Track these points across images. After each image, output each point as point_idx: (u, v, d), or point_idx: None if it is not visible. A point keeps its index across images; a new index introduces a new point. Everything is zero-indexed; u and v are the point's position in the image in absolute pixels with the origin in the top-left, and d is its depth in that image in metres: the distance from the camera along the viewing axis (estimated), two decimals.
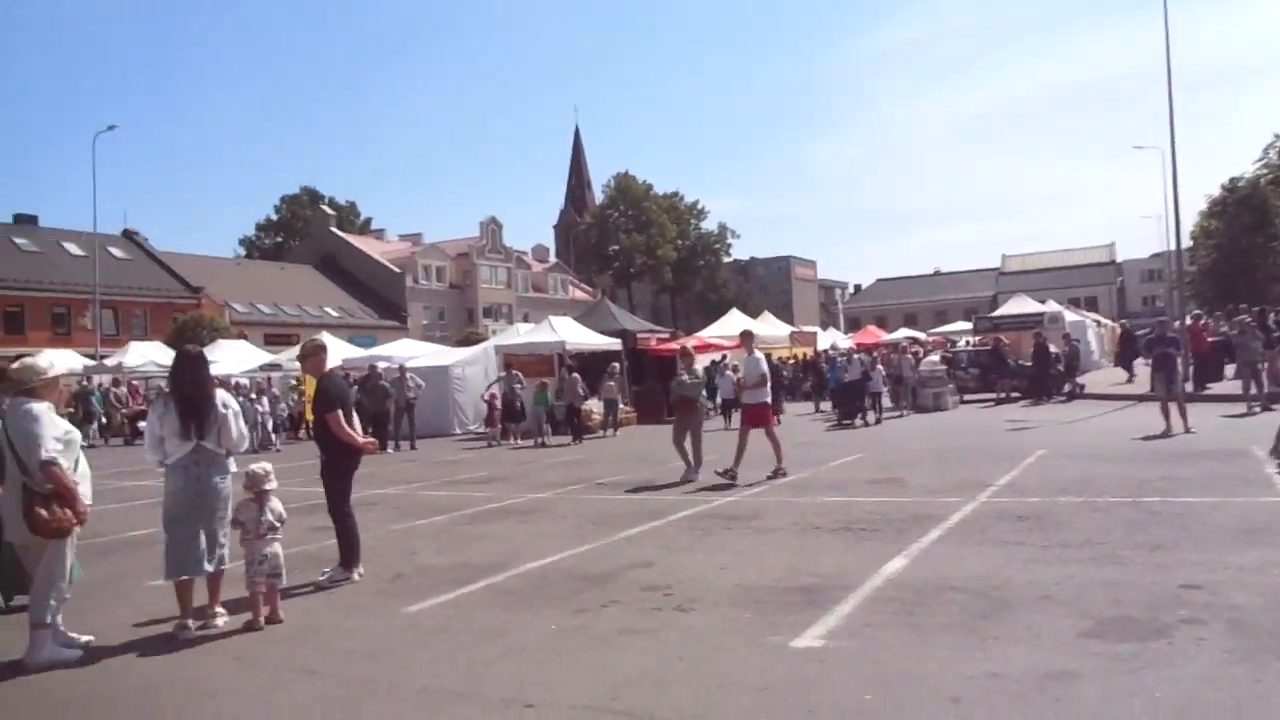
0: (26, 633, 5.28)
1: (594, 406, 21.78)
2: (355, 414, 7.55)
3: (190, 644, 5.59)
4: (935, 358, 26.01)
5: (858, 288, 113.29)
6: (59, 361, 5.76)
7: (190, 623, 5.76)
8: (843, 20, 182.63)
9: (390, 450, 19.68)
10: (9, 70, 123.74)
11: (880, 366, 22.24)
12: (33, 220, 49.90)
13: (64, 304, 44.73)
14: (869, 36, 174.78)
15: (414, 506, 11.23)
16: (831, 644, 4.94)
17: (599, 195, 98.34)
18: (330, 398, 7.12)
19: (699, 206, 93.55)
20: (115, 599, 6.75)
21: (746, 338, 13.56)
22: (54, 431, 5.29)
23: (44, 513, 5.10)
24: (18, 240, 47.01)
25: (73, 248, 47.09)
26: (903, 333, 45.72)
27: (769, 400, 12.82)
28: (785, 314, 67.11)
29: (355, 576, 7.12)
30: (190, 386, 5.97)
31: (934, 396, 23.15)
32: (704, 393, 12.97)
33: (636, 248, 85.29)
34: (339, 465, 7.17)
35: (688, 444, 12.48)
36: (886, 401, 22.65)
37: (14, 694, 4.85)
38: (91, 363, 33.02)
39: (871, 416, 20.68)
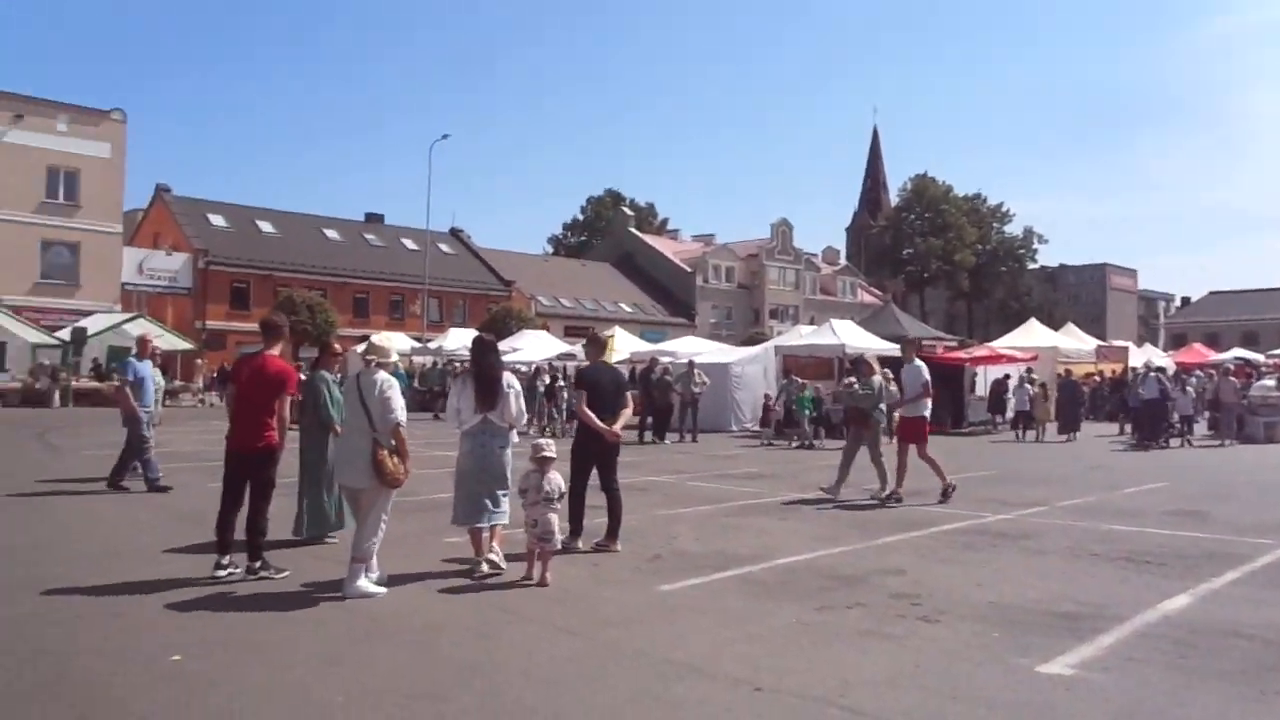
0: (325, 563, 6.19)
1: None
2: (631, 402, 8.18)
3: (471, 589, 6.37)
4: (1271, 383, 23.00)
5: (1186, 300, 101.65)
6: (386, 341, 6.81)
7: (484, 565, 6.73)
8: (1182, 4, 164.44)
9: (670, 441, 20.52)
10: (364, 94, 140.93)
11: (1189, 388, 20.03)
12: (380, 219, 56.76)
13: (399, 292, 50.52)
14: (1215, 19, 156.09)
15: (682, 495, 11.73)
16: (1083, 674, 4.71)
17: (894, 198, 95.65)
18: (578, 384, 8.11)
19: (1003, 209, 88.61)
20: (420, 549, 7.68)
21: (908, 346, 12.76)
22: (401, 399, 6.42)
23: (390, 464, 6.15)
24: (367, 236, 53.69)
25: (409, 243, 53.01)
26: (1235, 353, 40.61)
27: (927, 415, 11.55)
28: (1096, 327, 61.93)
29: (615, 548, 7.78)
30: (484, 369, 6.92)
31: (1265, 427, 20.53)
32: (882, 406, 11.59)
33: (933, 251, 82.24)
34: (579, 444, 7.92)
35: (883, 459, 11.47)
36: (1203, 428, 20.38)
37: (329, 614, 5.75)
38: (418, 345, 37.04)
39: (1176, 441, 18.69)
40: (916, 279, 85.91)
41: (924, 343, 26.61)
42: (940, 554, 7.95)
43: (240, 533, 6.58)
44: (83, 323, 33.50)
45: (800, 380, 21.74)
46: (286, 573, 6.59)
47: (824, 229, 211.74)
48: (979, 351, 27.92)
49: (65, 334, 31.82)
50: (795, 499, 11.36)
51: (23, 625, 5.35)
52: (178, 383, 33.12)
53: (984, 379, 25.50)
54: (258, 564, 6.55)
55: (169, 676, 4.54)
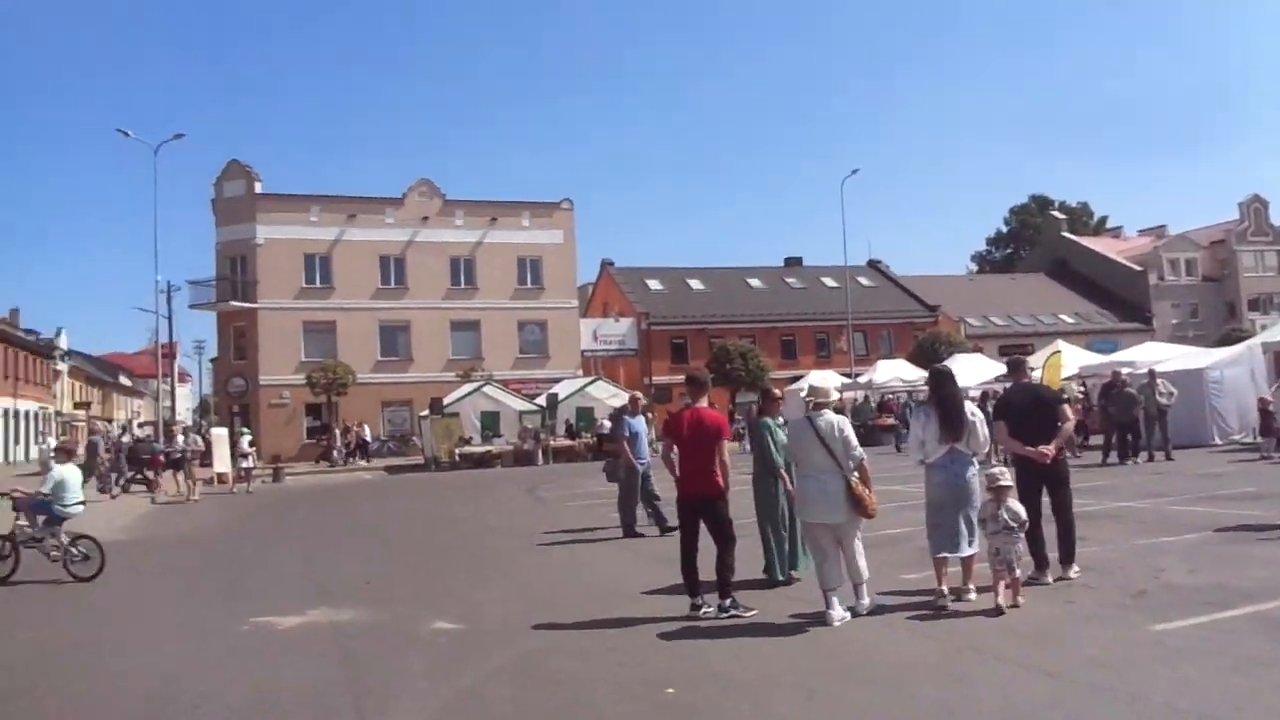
0: (791, 601, 6.37)
1: None
2: (1069, 417, 7.71)
3: (938, 625, 6.20)
4: None
5: None
6: (824, 381, 7.13)
7: (946, 597, 6.75)
8: None
9: (1138, 461, 18.42)
10: (769, 145, 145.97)
11: None
12: (798, 261, 58.32)
13: (824, 331, 51.27)
14: None
15: (1162, 521, 10.43)
16: None
17: None
18: (996, 413, 7.81)
19: None
20: (878, 584, 7.64)
21: None
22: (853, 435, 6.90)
23: (867, 496, 6.60)
24: (788, 280, 55.40)
25: (829, 281, 53.73)
26: None
27: None
28: None
29: (1072, 574, 7.39)
30: (946, 399, 7.04)
31: None
32: None
33: None
34: (1020, 472, 7.41)
35: None
36: None
37: (799, 651, 5.91)
38: (848, 380, 37.19)
39: None
40: None
41: None
42: None
43: (708, 573, 7.05)
44: (554, 389, 38.29)
45: None
46: (755, 612, 6.92)
47: None
48: None
49: (542, 400, 36.59)
50: None
51: (542, 657, 6.19)
52: None
53: None
54: (728, 602, 6.95)
55: (665, 706, 4.98)
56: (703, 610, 6.95)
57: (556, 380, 40.76)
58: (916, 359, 39.00)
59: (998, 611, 6.38)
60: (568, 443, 34.43)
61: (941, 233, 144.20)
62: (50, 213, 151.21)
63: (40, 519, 10.71)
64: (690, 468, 7.12)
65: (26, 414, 51.13)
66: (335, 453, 36.47)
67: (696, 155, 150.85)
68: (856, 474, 6.66)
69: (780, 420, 8.60)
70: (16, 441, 48.16)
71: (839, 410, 7.40)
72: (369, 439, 38.36)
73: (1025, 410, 7.52)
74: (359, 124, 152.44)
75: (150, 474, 23.50)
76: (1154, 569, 7.73)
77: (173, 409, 52.96)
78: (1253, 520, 9.96)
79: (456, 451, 32.15)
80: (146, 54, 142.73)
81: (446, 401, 33.91)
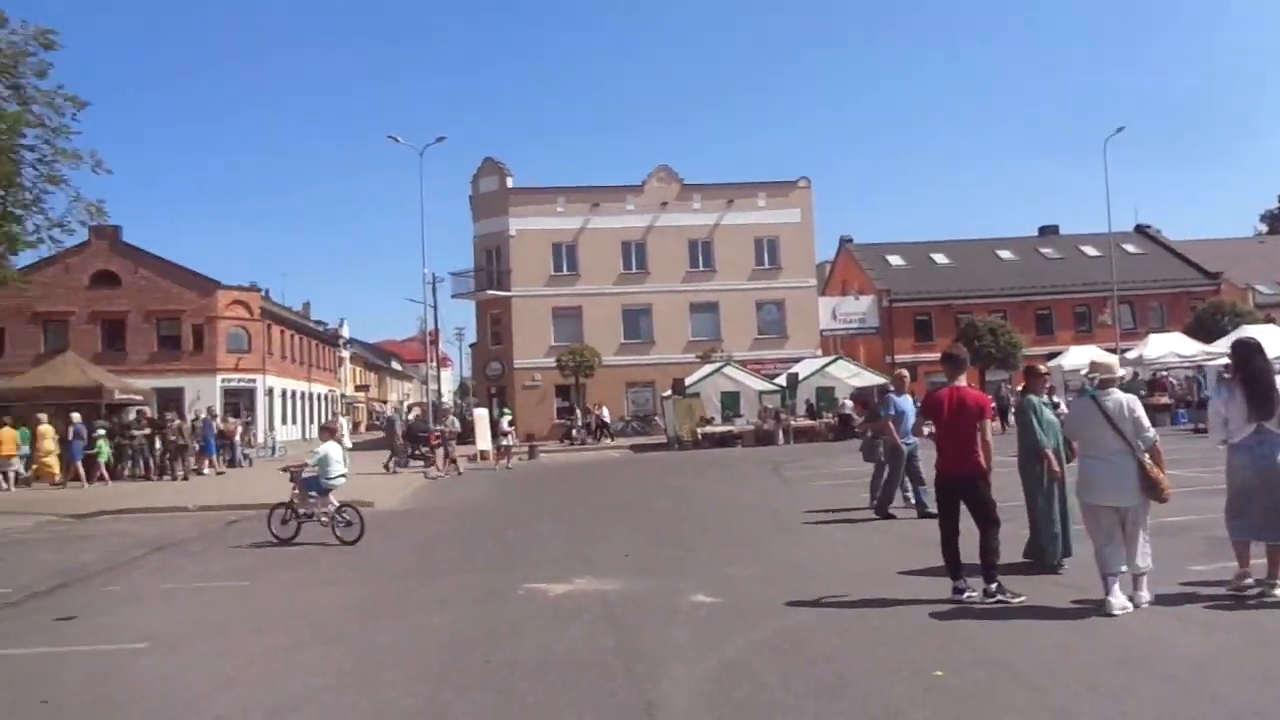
0: (1061, 588, 6.05)
1: None
2: None
3: (1237, 621, 5.72)
4: None
5: None
6: (1105, 358, 6.76)
7: (1249, 587, 6.37)
8: None
9: None
10: (1032, 99, 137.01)
11: None
12: (1054, 230, 54.43)
13: (1085, 303, 47.63)
14: None
15: None
16: None
17: None
18: None
19: None
20: (1164, 575, 7.08)
21: None
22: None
23: (1162, 479, 6.30)
24: (1043, 250, 51.88)
25: (1090, 250, 49.80)
26: None
27: None
28: None
29: None
30: (1255, 374, 6.46)
31: None
32: None
33: None
34: None
35: None
36: None
37: (1076, 639, 5.62)
38: (1102, 354, 34.39)
39: None
40: None
41: None
42: None
43: (971, 556, 6.84)
44: (794, 369, 38.03)
45: None
46: (1023, 598, 6.64)
47: None
48: None
49: (781, 380, 36.46)
50: None
51: (804, 633, 6.26)
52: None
53: None
54: (994, 586, 6.72)
55: (935, 689, 4.90)
56: (965, 594, 6.76)
57: (795, 360, 40.49)
58: (1194, 332, 35.42)
59: None
60: (808, 423, 34.17)
61: (1221, 191, 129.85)
62: (334, 214, 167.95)
63: (311, 492, 12.07)
64: (950, 447, 6.96)
65: (319, 396, 57.18)
66: (575, 432, 38.16)
67: (935, 125, 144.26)
68: (1148, 455, 6.32)
69: (1046, 399, 8.17)
70: (311, 420, 53.98)
71: (1125, 388, 7.00)
72: (607, 419, 39.80)
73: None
74: (601, 115, 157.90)
75: (427, 450, 25.62)
76: None
77: (439, 391, 57.41)
78: None
79: (699, 431, 32.74)
80: (407, 67, 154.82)
81: (688, 382, 34.58)
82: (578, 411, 39.74)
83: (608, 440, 38.01)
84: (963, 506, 6.91)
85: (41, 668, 6.27)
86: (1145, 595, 6.30)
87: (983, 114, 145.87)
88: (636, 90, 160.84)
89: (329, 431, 13.19)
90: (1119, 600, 6.16)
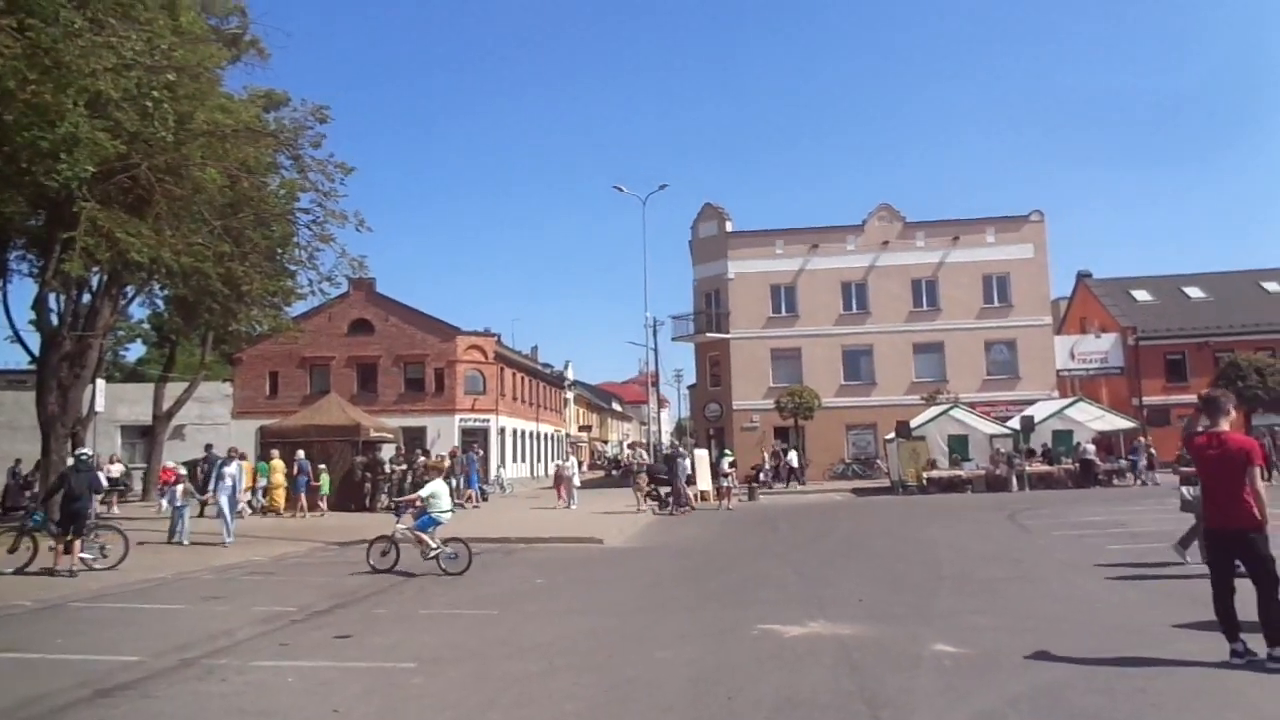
0: None
1: None
2: None
3: None
4: None
5: None
6: None
7: None
8: None
9: None
10: None
11: None
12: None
13: None
14: None
15: None
16: None
17: None
18: None
19: None
20: None
21: None
22: None
23: None
24: (1266, 285, 46.46)
25: None
26: None
27: None
28: None
29: None
30: None
31: None
32: None
33: None
34: None
35: None
36: None
37: None
38: None
39: None
40: None
41: None
42: None
43: (1249, 614, 6.28)
44: (1029, 410, 35.97)
45: None
46: None
47: None
48: None
49: (1014, 423, 34.56)
50: None
51: (1059, 690, 5.96)
52: (1123, 462, 33.00)
53: None
54: (1278, 650, 6.13)
55: None
56: (1245, 660, 6.20)
57: (1029, 402, 38.26)
58: None
59: None
60: (1045, 468, 32.17)
61: None
62: (561, 262, 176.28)
63: (420, 524, 12.99)
64: (1217, 498, 6.50)
65: (546, 435, 59.84)
66: (762, 475, 37.05)
67: (1182, 147, 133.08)
68: None
69: None
70: (538, 459, 56.51)
71: None
72: (795, 464, 38.55)
73: None
74: (828, 157, 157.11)
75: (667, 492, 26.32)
76: None
77: (659, 432, 58.57)
78: None
79: (924, 475, 31.58)
80: (631, 114, 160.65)
81: (913, 424, 33.49)
82: (764, 455, 39.21)
83: (797, 485, 37.12)
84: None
85: (328, 679, 6.98)
86: None
87: (1242, 115, 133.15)
88: (859, 127, 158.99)
89: (438, 470, 14.19)
90: None
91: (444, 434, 42.14)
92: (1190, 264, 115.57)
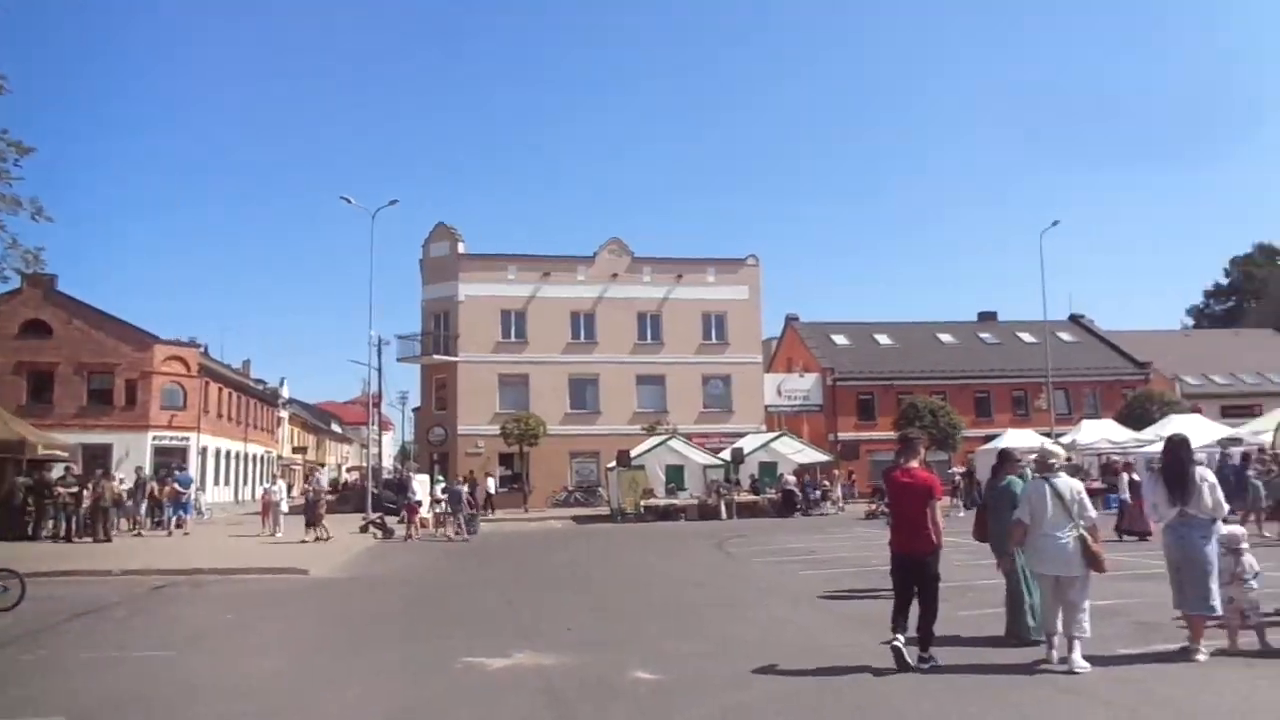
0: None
1: None
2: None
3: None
4: None
5: None
6: (1021, 442, 7.36)
7: (1201, 650, 7.10)
8: None
9: None
10: (977, 200, 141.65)
11: None
12: (992, 316, 56.00)
13: (1021, 388, 48.77)
14: None
15: None
16: None
17: None
18: None
19: None
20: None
21: None
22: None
23: (1101, 554, 7.00)
24: (981, 335, 53.28)
25: (1026, 336, 51.28)
26: None
27: None
28: None
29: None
30: (1171, 465, 7.52)
31: None
32: None
33: None
34: None
35: None
36: None
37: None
38: (1049, 441, 35.15)
39: None
40: None
41: None
42: None
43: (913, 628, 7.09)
44: (739, 443, 38.19)
45: None
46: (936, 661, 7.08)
47: None
48: None
49: (726, 454, 36.57)
50: None
51: (745, 713, 6.19)
52: (817, 493, 35.79)
53: None
54: (929, 654, 7.10)
55: None
56: (893, 643, 7.02)
57: (740, 434, 40.65)
58: (1125, 419, 36.55)
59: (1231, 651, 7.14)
60: (752, 498, 34.23)
61: (1152, 283, 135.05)
62: (280, 272, 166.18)
63: None
64: (904, 526, 7.37)
65: (254, 456, 55.80)
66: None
67: (880, 212, 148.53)
68: (1091, 534, 7.05)
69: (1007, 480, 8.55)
70: (245, 482, 52.55)
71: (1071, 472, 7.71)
72: (492, 490, 38.48)
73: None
74: (556, 186, 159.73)
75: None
76: None
77: (379, 455, 56.40)
78: None
79: (641, 504, 32.58)
80: (362, 127, 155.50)
81: (633, 454, 34.49)
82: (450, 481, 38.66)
83: (488, 512, 36.87)
84: None
85: None
86: (1078, 660, 6.81)
87: (935, 197, 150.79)
88: (590, 162, 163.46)
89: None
90: (1077, 658, 6.83)
91: (133, 452, 38.09)
92: (884, 312, 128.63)
